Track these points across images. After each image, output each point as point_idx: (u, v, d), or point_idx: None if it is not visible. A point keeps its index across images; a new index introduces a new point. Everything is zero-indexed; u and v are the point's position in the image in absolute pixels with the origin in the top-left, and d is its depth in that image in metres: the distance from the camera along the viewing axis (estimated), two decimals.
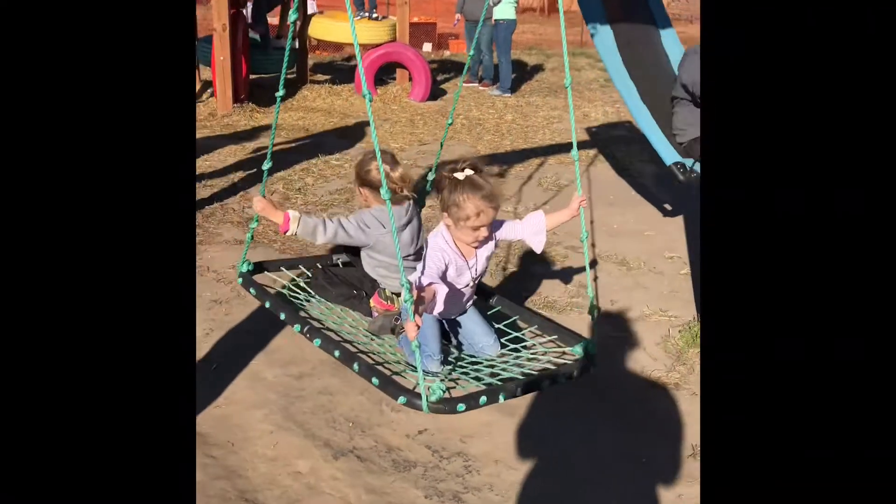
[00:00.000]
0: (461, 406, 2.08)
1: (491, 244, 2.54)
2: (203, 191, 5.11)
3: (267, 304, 2.69)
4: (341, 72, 10.21)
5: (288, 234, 2.60)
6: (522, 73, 10.86)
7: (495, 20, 8.95)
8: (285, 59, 2.71)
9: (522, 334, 2.67)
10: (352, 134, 6.95)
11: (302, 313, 2.66)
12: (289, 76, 9.25)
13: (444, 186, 2.40)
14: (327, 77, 9.77)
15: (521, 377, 2.32)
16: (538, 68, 11.42)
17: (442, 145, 3.36)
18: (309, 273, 2.97)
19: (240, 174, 5.52)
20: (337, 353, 2.35)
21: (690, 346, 3.32)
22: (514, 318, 2.78)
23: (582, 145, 6.88)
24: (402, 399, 2.08)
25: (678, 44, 4.96)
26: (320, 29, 8.78)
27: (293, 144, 6.47)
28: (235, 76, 7.41)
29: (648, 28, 4.91)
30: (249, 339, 3.28)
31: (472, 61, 9.65)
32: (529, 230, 2.62)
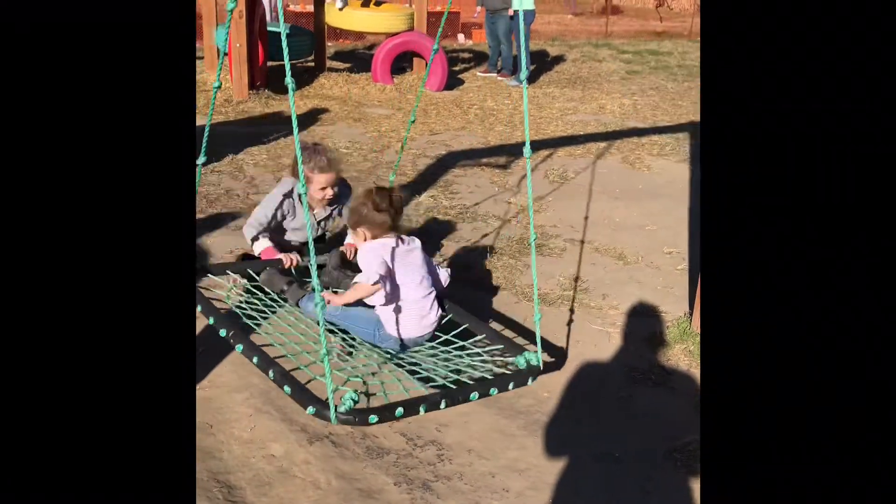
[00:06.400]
0: (373, 418, 2.15)
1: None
2: (210, 176, 5.18)
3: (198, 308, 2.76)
4: (361, 60, 10.24)
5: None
6: (543, 64, 10.79)
7: (513, 10, 8.89)
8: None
9: (466, 342, 2.77)
10: (364, 123, 6.98)
11: (236, 318, 2.78)
12: (307, 64, 9.31)
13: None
14: (347, 65, 9.81)
15: (451, 386, 2.39)
16: (559, 59, 11.34)
17: None
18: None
19: (249, 161, 5.58)
20: (255, 360, 2.44)
21: (677, 342, 3.30)
22: (464, 326, 2.90)
23: (594, 137, 6.84)
24: (310, 409, 2.15)
25: None
26: (335, 16, 8.80)
27: (303, 132, 6.51)
28: (252, 63, 7.47)
29: None
30: (240, 324, 3.32)
31: (492, 52, 9.64)
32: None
